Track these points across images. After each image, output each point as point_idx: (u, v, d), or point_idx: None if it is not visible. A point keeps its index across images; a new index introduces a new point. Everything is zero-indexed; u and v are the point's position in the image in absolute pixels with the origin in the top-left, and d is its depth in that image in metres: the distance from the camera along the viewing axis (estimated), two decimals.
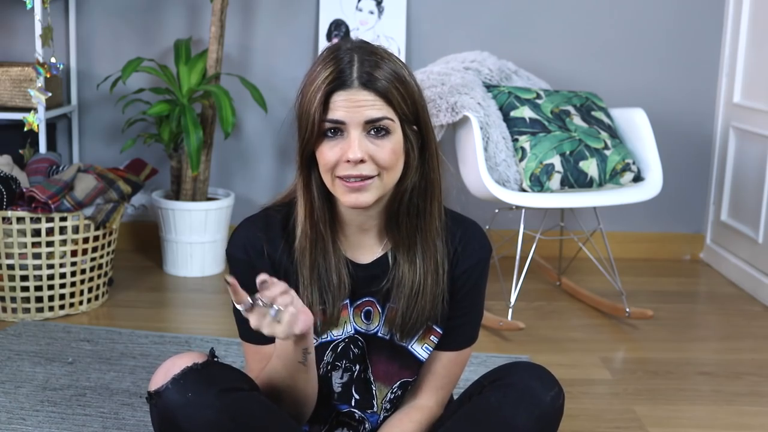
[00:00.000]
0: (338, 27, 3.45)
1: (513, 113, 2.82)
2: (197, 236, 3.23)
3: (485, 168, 2.70)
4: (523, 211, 2.80)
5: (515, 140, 2.78)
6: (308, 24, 3.49)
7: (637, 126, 2.95)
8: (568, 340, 2.75)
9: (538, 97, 2.89)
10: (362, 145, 1.41)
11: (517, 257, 2.77)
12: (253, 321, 1.35)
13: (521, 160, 2.75)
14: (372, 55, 1.43)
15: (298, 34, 3.50)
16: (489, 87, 2.90)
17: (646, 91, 3.53)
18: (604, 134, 2.86)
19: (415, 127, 1.47)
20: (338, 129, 1.42)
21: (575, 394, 2.30)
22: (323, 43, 3.45)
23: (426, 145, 1.49)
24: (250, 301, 1.34)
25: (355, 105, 1.40)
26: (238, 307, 1.35)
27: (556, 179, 2.75)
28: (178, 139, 3.25)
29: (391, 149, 1.43)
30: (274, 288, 1.34)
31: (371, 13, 3.44)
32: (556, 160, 2.74)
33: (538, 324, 2.85)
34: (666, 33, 3.54)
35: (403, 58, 3.44)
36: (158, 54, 3.43)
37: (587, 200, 2.77)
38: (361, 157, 1.41)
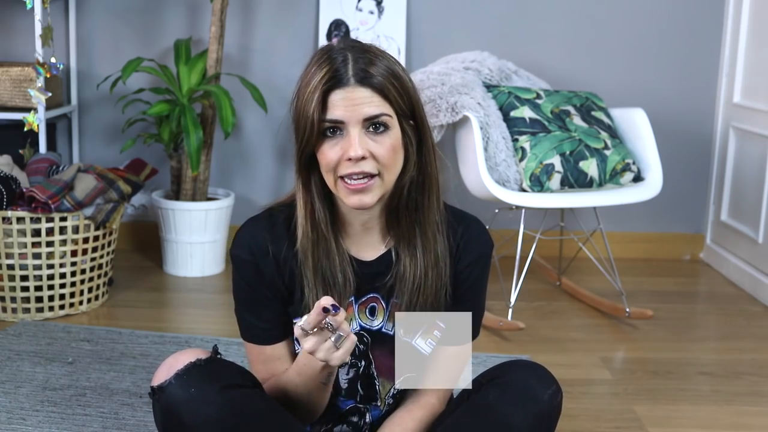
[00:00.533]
0: (338, 27, 3.45)
1: (513, 113, 2.82)
2: (197, 236, 3.23)
3: (485, 168, 2.70)
4: (523, 211, 2.80)
5: (515, 140, 2.78)
6: (308, 24, 3.49)
7: (637, 126, 2.95)
8: (568, 340, 2.75)
9: (538, 97, 2.89)
10: (362, 142, 1.41)
11: (517, 257, 2.77)
12: (309, 344, 1.37)
13: (521, 160, 2.75)
14: (365, 52, 1.43)
15: (298, 34, 3.50)
16: (489, 87, 2.90)
17: (646, 91, 3.53)
18: (604, 134, 2.86)
19: (411, 122, 1.48)
20: (337, 128, 1.42)
21: (575, 394, 2.30)
22: (323, 43, 3.44)
23: (422, 140, 1.50)
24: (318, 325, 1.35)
25: (352, 103, 1.40)
26: (298, 323, 1.37)
27: (556, 179, 2.75)
28: (178, 139, 3.25)
29: (390, 145, 1.43)
30: (341, 314, 1.35)
31: (371, 13, 3.44)
32: (556, 160, 2.74)
33: (538, 324, 2.85)
34: (666, 33, 3.54)
35: (403, 58, 3.44)
36: (158, 54, 3.43)
37: (587, 200, 2.77)
38: (362, 154, 1.41)
